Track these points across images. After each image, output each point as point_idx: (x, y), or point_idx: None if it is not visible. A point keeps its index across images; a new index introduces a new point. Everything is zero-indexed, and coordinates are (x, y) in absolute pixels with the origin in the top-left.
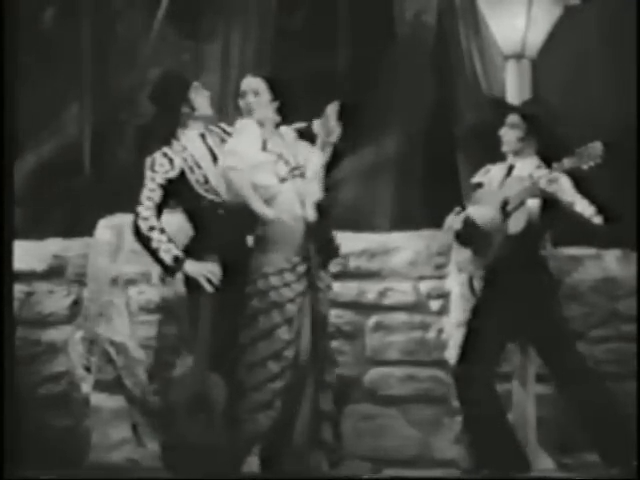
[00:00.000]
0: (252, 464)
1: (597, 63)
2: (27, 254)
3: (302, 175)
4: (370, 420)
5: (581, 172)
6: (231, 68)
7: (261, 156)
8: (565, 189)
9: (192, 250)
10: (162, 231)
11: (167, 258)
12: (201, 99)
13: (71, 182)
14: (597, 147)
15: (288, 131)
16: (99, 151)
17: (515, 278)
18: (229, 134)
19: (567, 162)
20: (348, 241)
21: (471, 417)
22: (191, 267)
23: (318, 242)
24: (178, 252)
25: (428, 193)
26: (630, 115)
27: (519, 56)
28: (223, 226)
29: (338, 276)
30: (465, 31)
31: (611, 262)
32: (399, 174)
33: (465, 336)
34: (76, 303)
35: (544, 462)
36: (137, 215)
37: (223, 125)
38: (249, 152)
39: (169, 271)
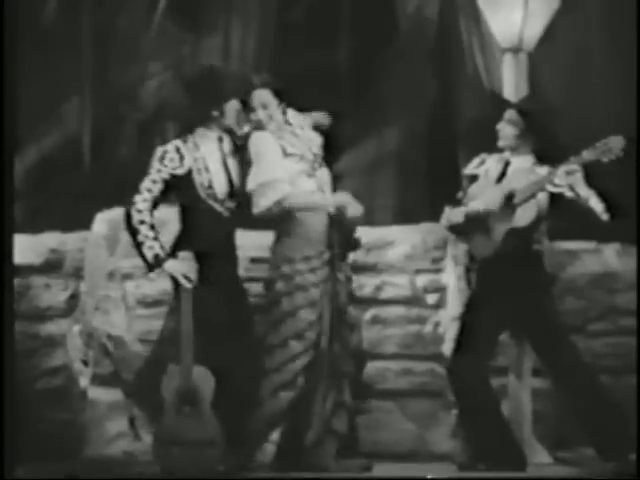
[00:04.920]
0: (267, 452)
1: (595, 55)
2: (25, 248)
3: (321, 165)
4: (366, 414)
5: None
6: (231, 62)
7: (287, 166)
8: (581, 183)
9: (178, 246)
10: (151, 227)
11: (149, 254)
12: (231, 110)
13: (70, 176)
14: (619, 141)
15: (294, 118)
16: (99, 145)
17: (509, 272)
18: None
19: (587, 154)
20: None
21: (465, 410)
22: (171, 265)
23: (340, 233)
24: (160, 251)
25: (429, 187)
26: (629, 108)
27: (516, 49)
28: (213, 224)
29: None
30: (466, 25)
31: (610, 256)
32: (400, 168)
33: (459, 329)
34: (73, 297)
35: (540, 456)
36: (132, 204)
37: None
38: (277, 169)
39: (148, 267)
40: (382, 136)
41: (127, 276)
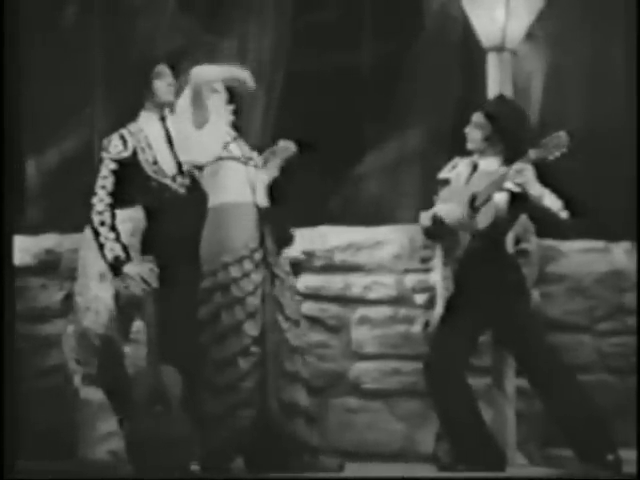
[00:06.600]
0: (239, 463)
1: (581, 55)
2: (22, 249)
3: (255, 166)
4: (355, 414)
5: (557, 164)
6: (247, 64)
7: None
8: (533, 182)
9: (146, 247)
10: (112, 228)
11: (109, 256)
12: (162, 84)
13: (80, 180)
14: (562, 137)
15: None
16: None
17: (480, 274)
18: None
19: (533, 153)
20: (334, 235)
21: (441, 411)
22: (130, 268)
23: (273, 229)
24: (121, 253)
25: None
26: (611, 108)
27: (500, 48)
28: (178, 221)
29: (324, 270)
30: None
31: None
32: (424, 169)
33: (437, 328)
34: (68, 297)
35: (520, 457)
36: (91, 207)
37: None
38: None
39: (112, 270)
40: (406, 136)
41: None
